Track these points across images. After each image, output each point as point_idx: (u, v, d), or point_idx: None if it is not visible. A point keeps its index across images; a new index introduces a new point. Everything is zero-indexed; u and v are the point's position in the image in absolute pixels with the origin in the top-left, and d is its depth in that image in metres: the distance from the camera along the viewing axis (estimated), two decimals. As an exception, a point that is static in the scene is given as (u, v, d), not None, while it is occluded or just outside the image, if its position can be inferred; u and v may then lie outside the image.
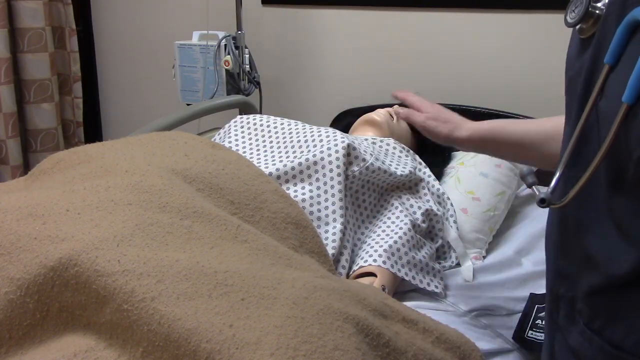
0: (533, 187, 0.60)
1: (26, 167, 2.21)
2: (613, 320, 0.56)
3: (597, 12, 0.57)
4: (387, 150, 1.33)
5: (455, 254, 1.25)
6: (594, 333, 0.58)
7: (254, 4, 2.16)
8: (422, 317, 0.86)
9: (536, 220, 1.41)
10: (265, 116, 1.36)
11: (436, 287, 1.12)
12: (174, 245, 0.76)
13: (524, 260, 1.29)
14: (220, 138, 1.37)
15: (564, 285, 0.63)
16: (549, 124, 0.92)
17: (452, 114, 1.08)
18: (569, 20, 0.60)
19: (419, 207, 1.25)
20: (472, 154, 1.55)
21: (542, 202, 0.56)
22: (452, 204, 1.38)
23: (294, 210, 1.00)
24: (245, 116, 1.38)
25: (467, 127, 1.03)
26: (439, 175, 1.48)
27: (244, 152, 1.28)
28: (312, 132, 1.24)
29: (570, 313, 0.62)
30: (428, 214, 1.26)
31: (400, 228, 1.16)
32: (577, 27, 0.59)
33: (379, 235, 1.15)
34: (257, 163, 1.23)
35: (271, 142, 1.29)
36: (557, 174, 0.58)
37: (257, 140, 1.31)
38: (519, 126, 0.97)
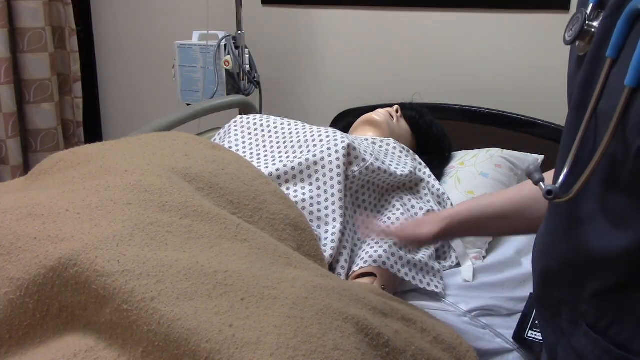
0: (540, 183, 0.60)
1: (26, 167, 2.21)
2: (619, 321, 0.56)
3: (593, 30, 0.57)
4: (387, 150, 1.33)
5: (455, 254, 1.25)
6: (598, 334, 0.58)
7: (254, 4, 2.16)
8: (421, 317, 0.86)
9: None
10: (265, 116, 1.36)
11: (436, 287, 1.12)
12: (174, 245, 0.76)
13: (524, 260, 1.29)
14: (220, 138, 1.37)
15: (566, 289, 0.62)
16: (527, 188, 0.88)
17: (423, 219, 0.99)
18: (566, 37, 0.60)
19: (420, 208, 1.25)
20: (472, 154, 1.56)
21: (549, 194, 0.56)
22: (452, 204, 1.38)
23: (293, 212, 1.00)
24: (245, 116, 1.38)
25: (442, 217, 0.94)
26: (439, 175, 1.48)
27: (244, 152, 1.28)
28: (312, 132, 1.24)
29: (573, 316, 0.62)
30: (428, 214, 1.26)
31: (400, 228, 1.16)
32: (576, 44, 0.60)
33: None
34: (257, 163, 1.23)
35: (271, 142, 1.29)
36: (565, 171, 0.58)
37: (257, 140, 1.31)
38: (496, 197, 0.91)
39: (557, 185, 0.57)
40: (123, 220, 0.77)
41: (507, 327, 1.06)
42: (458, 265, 1.24)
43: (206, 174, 0.96)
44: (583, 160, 0.56)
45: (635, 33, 0.50)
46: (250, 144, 1.31)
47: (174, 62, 2.01)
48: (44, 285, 0.69)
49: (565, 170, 0.58)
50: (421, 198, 1.29)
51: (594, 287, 0.58)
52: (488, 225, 0.92)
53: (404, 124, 1.52)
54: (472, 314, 1.08)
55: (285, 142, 1.27)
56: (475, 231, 0.94)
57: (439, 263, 1.22)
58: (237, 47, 1.94)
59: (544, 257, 0.65)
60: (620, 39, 0.51)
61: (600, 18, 0.56)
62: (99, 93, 2.61)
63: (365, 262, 1.08)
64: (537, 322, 0.98)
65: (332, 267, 1.08)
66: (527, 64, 1.82)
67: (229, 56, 1.91)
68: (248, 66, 1.97)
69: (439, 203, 1.34)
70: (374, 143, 1.32)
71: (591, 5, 0.58)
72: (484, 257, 1.29)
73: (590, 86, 0.56)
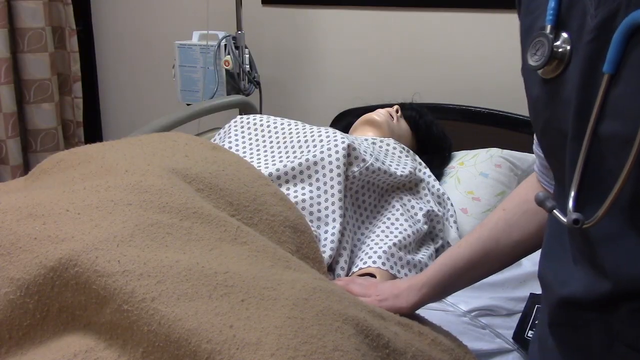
0: (555, 211, 0.58)
1: (26, 167, 2.21)
2: None
3: (561, 50, 0.57)
4: (387, 150, 1.33)
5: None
6: None
7: (254, 4, 2.16)
8: (416, 321, 0.87)
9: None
10: (265, 116, 1.36)
11: (436, 287, 1.12)
12: (174, 246, 0.76)
13: (524, 260, 1.29)
14: (220, 138, 1.37)
15: (596, 311, 0.59)
16: (487, 228, 0.88)
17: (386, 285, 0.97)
18: (532, 63, 0.59)
19: (420, 209, 1.25)
20: (472, 154, 1.56)
21: (576, 223, 0.54)
22: (452, 204, 1.38)
23: (293, 214, 1.00)
24: (245, 116, 1.38)
25: (419, 286, 0.92)
26: (439, 175, 1.48)
27: (244, 153, 1.28)
28: (312, 132, 1.24)
29: (607, 338, 0.58)
30: (429, 215, 1.26)
31: (401, 230, 1.16)
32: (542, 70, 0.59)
33: (378, 236, 1.15)
34: (257, 163, 1.23)
35: (271, 142, 1.29)
36: (573, 194, 0.56)
37: (257, 140, 1.31)
38: (459, 248, 0.89)
39: (572, 210, 0.55)
40: (123, 220, 0.77)
41: (507, 327, 1.06)
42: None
43: (206, 175, 0.96)
44: (593, 182, 0.54)
45: (632, 47, 0.48)
46: (250, 144, 1.31)
47: (174, 62, 2.01)
48: (44, 285, 0.68)
49: (572, 194, 0.56)
50: (421, 198, 1.29)
51: (630, 307, 0.55)
52: (464, 279, 0.91)
53: (404, 124, 1.52)
54: (472, 314, 1.08)
55: (285, 142, 1.27)
56: (453, 289, 0.93)
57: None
58: (237, 47, 1.95)
59: (566, 285, 0.62)
60: (618, 54, 0.49)
61: (587, 39, 0.53)
62: (99, 93, 2.61)
63: (365, 263, 1.08)
64: (537, 322, 0.98)
65: (331, 268, 1.08)
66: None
67: (229, 56, 1.91)
68: (248, 66, 1.97)
69: (439, 203, 1.34)
70: (374, 143, 1.32)
71: (549, 26, 0.57)
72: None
73: (587, 108, 0.54)
